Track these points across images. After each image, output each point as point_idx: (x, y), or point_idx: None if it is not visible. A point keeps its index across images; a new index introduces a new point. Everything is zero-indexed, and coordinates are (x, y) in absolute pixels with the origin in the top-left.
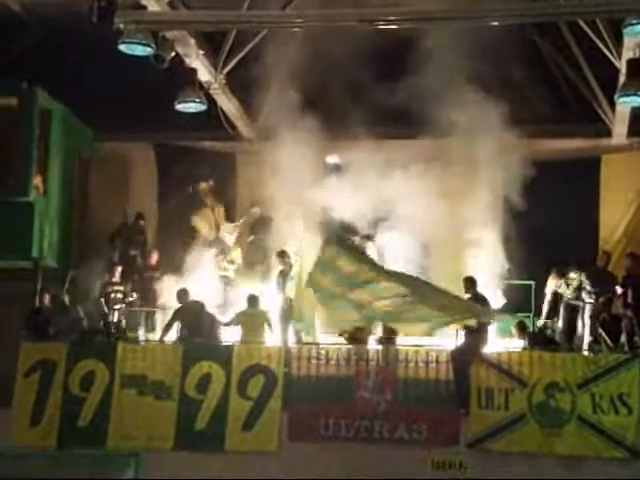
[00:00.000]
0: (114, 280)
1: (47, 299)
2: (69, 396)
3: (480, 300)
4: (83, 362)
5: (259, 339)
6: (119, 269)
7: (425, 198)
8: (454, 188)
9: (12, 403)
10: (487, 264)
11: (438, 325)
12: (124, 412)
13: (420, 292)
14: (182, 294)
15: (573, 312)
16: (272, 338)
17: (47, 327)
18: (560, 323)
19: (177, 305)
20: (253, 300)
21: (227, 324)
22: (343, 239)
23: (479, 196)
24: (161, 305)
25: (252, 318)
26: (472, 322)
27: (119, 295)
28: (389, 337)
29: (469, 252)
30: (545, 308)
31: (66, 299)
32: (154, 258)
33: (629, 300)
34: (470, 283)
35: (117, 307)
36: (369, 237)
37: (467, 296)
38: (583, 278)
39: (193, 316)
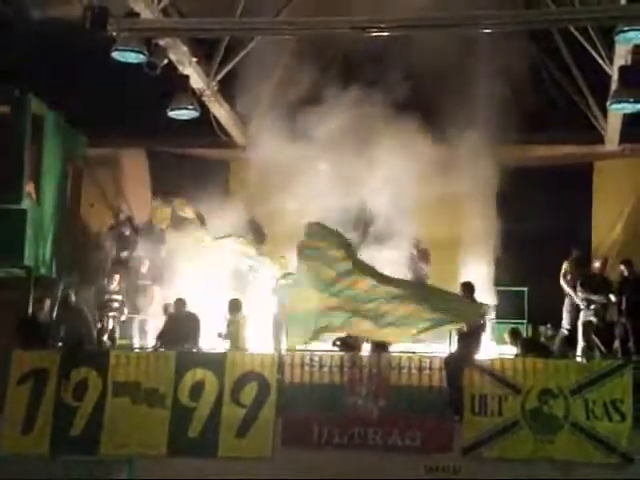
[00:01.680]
0: (112, 288)
1: (47, 305)
2: (61, 404)
3: None
4: (76, 370)
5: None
6: (117, 277)
7: (417, 204)
8: (447, 194)
9: (4, 411)
10: (480, 270)
11: (428, 327)
12: (117, 420)
13: (408, 292)
14: (179, 303)
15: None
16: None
17: (45, 335)
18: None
19: (171, 313)
20: (235, 305)
21: (220, 335)
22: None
23: (472, 203)
24: (153, 313)
25: (234, 327)
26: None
27: (115, 304)
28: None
29: (462, 258)
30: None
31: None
32: (145, 266)
33: (623, 307)
34: (467, 289)
35: (112, 314)
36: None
37: None
38: (577, 284)
39: (186, 327)
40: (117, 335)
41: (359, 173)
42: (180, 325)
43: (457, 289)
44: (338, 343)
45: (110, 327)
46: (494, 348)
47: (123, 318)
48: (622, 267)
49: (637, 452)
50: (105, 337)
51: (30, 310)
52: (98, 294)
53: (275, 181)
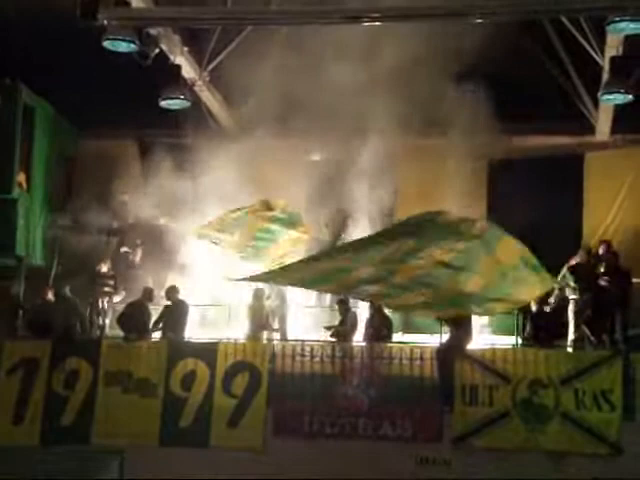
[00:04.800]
0: (103, 272)
1: (50, 294)
2: (52, 394)
3: None
4: (67, 360)
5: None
6: (107, 262)
7: (406, 195)
8: (436, 186)
9: None
10: None
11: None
12: (108, 410)
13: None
14: (171, 291)
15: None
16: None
17: (51, 323)
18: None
19: (166, 302)
20: (258, 294)
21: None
22: None
23: (462, 193)
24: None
25: (256, 312)
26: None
27: (106, 288)
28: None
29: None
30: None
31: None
32: (138, 256)
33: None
34: None
35: (106, 299)
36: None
37: None
38: (567, 273)
39: (178, 315)
40: (109, 315)
41: (350, 167)
42: (172, 313)
43: None
44: (331, 333)
45: (101, 306)
46: (485, 338)
47: (118, 298)
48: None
49: (626, 442)
50: (97, 317)
51: (21, 300)
52: (89, 279)
53: (266, 172)
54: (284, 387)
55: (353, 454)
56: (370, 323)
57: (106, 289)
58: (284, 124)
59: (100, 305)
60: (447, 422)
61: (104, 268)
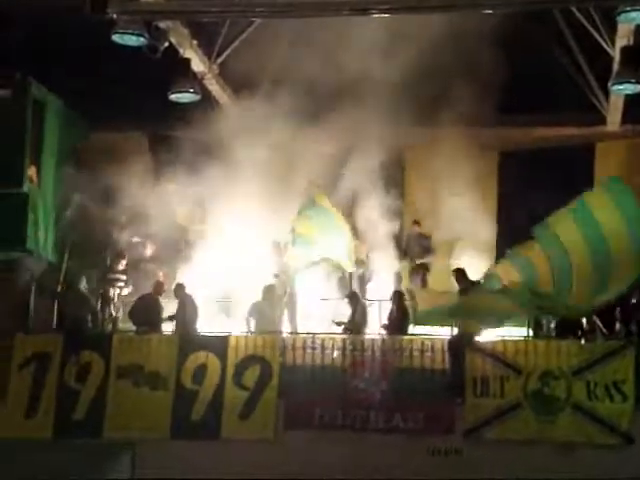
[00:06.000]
0: (120, 268)
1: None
2: (65, 388)
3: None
4: (79, 353)
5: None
6: (125, 260)
7: (414, 186)
8: (445, 178)
9: (6, 395)
10: (480, 254)
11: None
12: (120, 403)
13: None
14: (179, 289)
15: None
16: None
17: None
18: None
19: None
20: (269, 291)
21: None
22: None
23: (471, 185)
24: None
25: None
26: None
27: (120, 284)
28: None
29: (462, 243)
30: None
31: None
32: (149, 250)
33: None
34: (461, 275)
35: (117, 292)
36: None
37: (459, 288)
38: None
39: (186, 310)
40: (120, 308)
41: (362, 158)
42: (181, 309)
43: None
44: (342, 326)
45: (113, 298)
46: (496, 330)
47: (126, 292)
48: None
49: (638, 433)
50: (109, 309)
51: (32, 295)
52: (103, 275)
53: (278, 164)
54: (295, 380)
55: (364, 446)
56: (390, 316)
57: (117, 283)
58: (295, 116)
59: (111, 298)
60: (458, 414)
61: (115, 262)
